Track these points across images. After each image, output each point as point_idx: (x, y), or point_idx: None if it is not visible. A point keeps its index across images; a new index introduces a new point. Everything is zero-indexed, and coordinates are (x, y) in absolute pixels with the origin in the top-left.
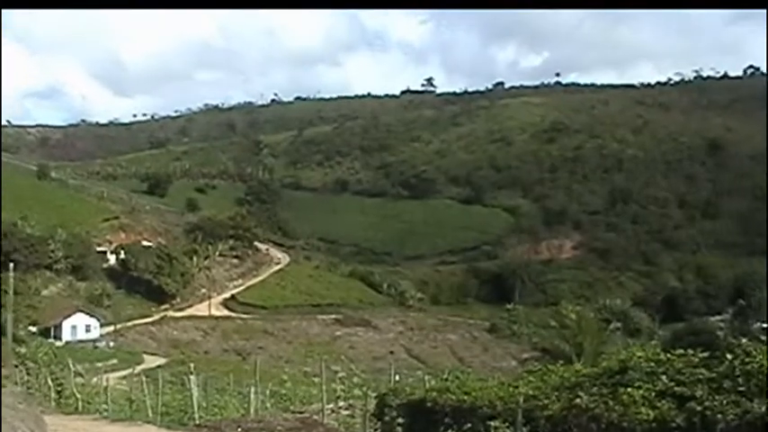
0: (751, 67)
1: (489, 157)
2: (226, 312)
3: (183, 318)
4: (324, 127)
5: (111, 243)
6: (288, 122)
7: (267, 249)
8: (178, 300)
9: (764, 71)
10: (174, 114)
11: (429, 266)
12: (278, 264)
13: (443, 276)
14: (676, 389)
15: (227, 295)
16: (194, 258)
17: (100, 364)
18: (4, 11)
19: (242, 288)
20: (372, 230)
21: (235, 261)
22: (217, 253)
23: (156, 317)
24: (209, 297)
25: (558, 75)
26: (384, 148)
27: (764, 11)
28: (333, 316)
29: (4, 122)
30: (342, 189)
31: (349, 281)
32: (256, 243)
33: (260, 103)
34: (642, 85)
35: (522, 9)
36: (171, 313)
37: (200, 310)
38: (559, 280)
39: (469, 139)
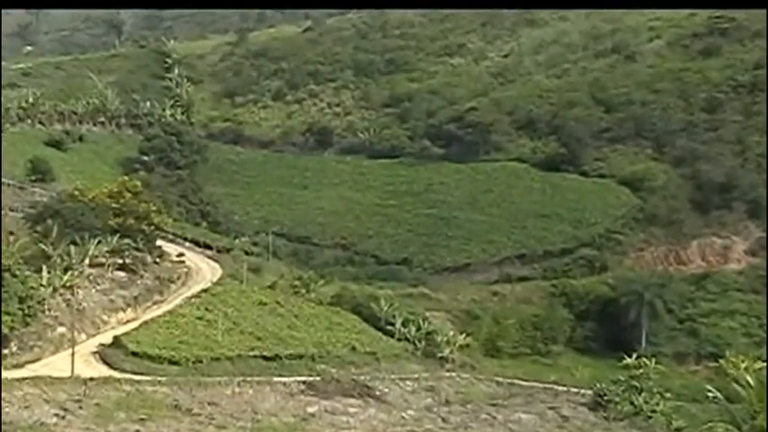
0: None
1: (592, 84)
2: (103, 370)
3: (22, 381)
4: (285, 27)
5: None
6: (218, 19)
7: (181, 254)
8: (13, 347)
9: None
10: None
11: (480, 285)
12: (201, 281)
13: (507, 304)
14: None
15: (104, 339)
16: (44, 271)
17: None
18: None
19: (134, 326)
20: (376, 219)
21: (120, 276)
22: (86, 261)
23: None
24: (73, 342)
25: None
26: (398, 66)
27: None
28: (303, 378)
29: None
30: (319, 143)
31: (332, 313)
32: (160, 242)
33: None
34: None
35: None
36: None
37: (56, 365)
38: (724, 312)
39: (555, 50)
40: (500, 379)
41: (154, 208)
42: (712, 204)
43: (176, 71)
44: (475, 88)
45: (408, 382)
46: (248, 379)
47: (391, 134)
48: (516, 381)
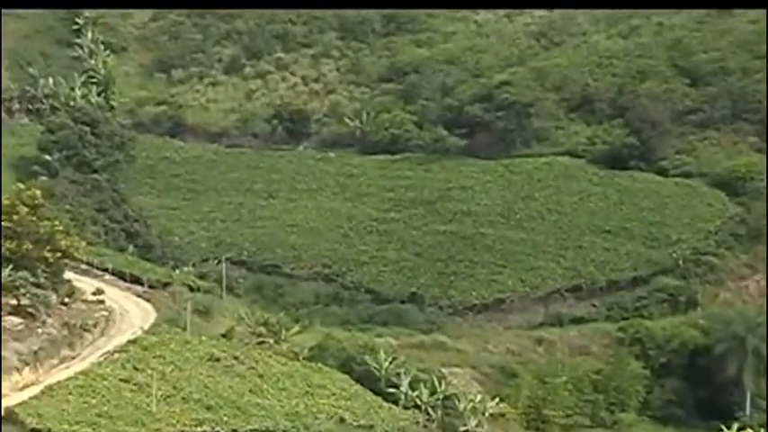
0: None
1: (671, 47)
2: None
3: None
4: None
5: None
6: None
7: (99, 291)
8: None
9: None
10: None
11: (519, 330)
12: (127, 329)
13: (557, 356)
14: None
15: None
16: None
17: None
18: None
19: (34, 392)
20: (373, 239)
21: (15, 322)
22: None
23: None
24: None
25: None
26: (400, 25)
27: None
28: None
29: None
30: (292, 133)
31: (312, 371)
32: (70, 275)
33: None
34: None
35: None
36: None
37: None
38: None
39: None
40: None
41: (60, 227)
42: None
43: (90, 35)
44: (508, 54)
45: None
46: None
47: (392, 120)
48: None
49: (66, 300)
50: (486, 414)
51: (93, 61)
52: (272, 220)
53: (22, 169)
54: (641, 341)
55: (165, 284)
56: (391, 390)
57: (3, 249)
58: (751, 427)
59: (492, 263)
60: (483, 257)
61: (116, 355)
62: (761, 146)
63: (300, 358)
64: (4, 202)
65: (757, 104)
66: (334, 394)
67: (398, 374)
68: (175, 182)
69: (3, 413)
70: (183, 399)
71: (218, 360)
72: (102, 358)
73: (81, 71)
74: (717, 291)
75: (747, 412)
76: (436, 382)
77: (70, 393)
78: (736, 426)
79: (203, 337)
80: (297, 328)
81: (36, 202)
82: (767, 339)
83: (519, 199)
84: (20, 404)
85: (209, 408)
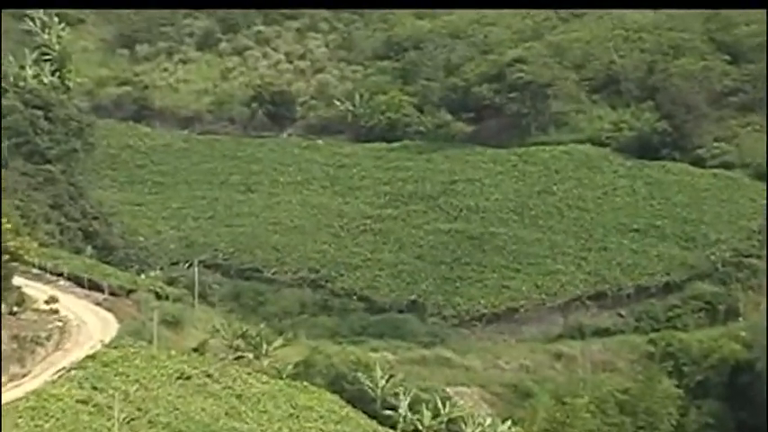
0: None
1: (709, 19)
2: None
3: None
4: None
5: None
6: None
7: (52, 299)
8: None
9: None
10: None
11: (534, 343)
12: (85, 342)
13: (578, 373)
14: None
15: None
16: None
17: None
18: None
19: None
20: (366, 240)
21: None
22: None
23: None
24: None
25: None
26: None
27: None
28: None
29: None
30: (274, 118)
31: (297, 390)
32: (19, 280)
33: None
34: None
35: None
36: None
37: None
38: None
39: None
40: None
41: (8, 225)
42: None
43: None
44: (522, 28)
45: None
46: None
47: (389, 102)
48: None
49: (16, 309)
50: None
51: (46, 36)
52: (252, 218)
53: None
54: (674, 356)
55: (129, 291)
56: (388, 412)
57: None
58: None
59: (503, 266)
60: (493, 260)
61: (72, 373)
62: None
63: (284, 376)
64: None
65: None
66: (322, 417)
67: (396, 394)
68: (141, 173)
69: None
70: (150, 422)
71: (189, 378)
72: (56, 376)
73: (33, 47)
74: (760, 298)
75: None
76: (440, 403)
77: (20, 416)
78: None
79: (172, 352)
80: (280, 341)
81: None
82: None
83: (534, 193)
84: None
85: None
